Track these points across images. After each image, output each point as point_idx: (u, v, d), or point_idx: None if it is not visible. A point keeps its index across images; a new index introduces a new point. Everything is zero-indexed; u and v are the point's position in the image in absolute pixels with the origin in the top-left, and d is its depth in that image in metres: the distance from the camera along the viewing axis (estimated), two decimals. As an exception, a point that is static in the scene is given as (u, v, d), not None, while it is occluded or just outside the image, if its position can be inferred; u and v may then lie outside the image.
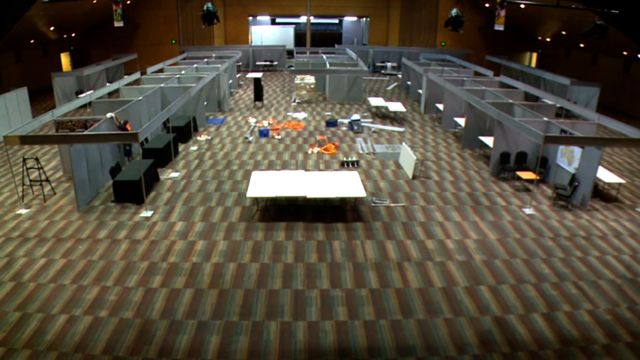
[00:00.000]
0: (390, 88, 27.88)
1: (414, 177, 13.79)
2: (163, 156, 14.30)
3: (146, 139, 14.92)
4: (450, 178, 13.93)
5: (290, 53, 33.87)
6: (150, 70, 22.02)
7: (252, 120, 19.75)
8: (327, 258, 9.53)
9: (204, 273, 8.95)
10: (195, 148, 16.28)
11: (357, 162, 14.81)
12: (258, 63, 32.90)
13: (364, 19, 38.85)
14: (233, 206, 11.82)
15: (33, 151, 15.95)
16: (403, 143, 15.38)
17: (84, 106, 19.74)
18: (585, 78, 23.73)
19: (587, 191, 11.91)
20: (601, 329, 7.60)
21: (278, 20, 40.73)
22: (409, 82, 25.77)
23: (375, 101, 21.57)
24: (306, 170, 13.69)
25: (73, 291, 8.33)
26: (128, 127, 13.70)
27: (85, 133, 11.42)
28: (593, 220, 11.47)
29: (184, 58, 26.90)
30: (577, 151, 12.35)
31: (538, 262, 9.53)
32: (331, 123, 19.12)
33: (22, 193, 12.26)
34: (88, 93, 18.23)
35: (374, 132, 18.38)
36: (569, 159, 12.75)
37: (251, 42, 36.92)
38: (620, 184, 12.96)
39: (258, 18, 39.26)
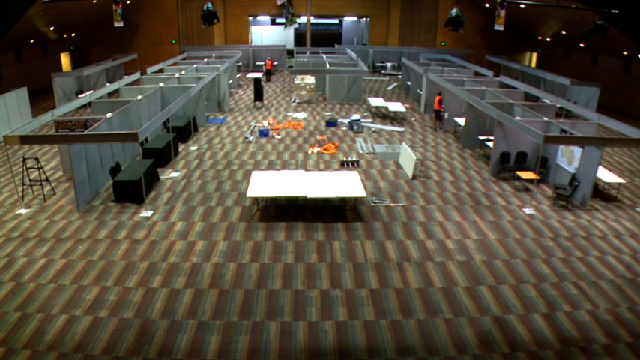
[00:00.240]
0: (390, 88, 27.88)
1: (414, 177, 13.79)
2: (163, 156, 14.30)
3: (146, 139, 14.93)
4: (450, 178, 13.93)
5: (290, 53, 33.87)
6: (150, 70, 22.03)
7: (252, 123, 19.63)
8: (327, 258, 9.53)
9: (204, 273, 8.95)
10: (195, 148, 16.28)
11: (357, 162, 14.81)
12: (258, 63, 32.91)
13: (364, 19, 38.85)
14: (233, 206, 11.82)
15: (33, 151, 15.95)
16: (403, 143, 15.38)
17: (84, 106, 19.74)
18: (585, 78, 23.73)
19: (587, 191, 11.91)
20: (601, 329, 7.60)
21: (278, 20, 40.71)
22: (409, 82, 25.77)
23: (375, 101, 21.58)
24: (306, 170, 13.70)
25: (73, 291, 8.33)
26: None
27: (85, 133, 11.43)
28: (593, 220, 11.47)
29: (184, 58, 26.91)
30: (577, 151, 12.35)
31: (538, 262, 9.53)
32: (331, 123, 19.12)
33: (22, 193, 12.26)
34: (88, 93, 18.23)
35: (374, 132, 18.39)
36: (569, 159, 12.75)
37: (251, 42, 36.93)
38: (620, 184, 12.96)
39: (258, 18, 39.27)
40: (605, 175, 12.75)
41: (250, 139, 17.24)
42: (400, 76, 29.43)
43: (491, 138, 14.76)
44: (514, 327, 7.61)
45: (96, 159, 12.51)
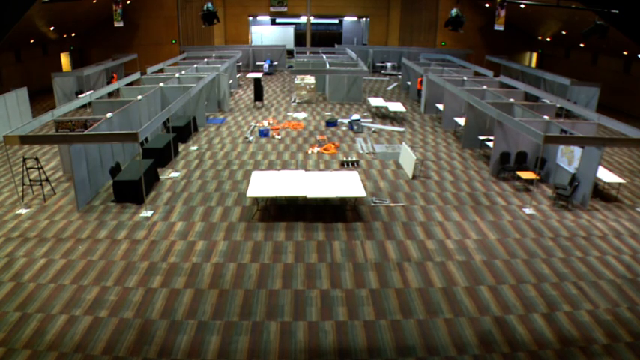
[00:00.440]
0: (390, 88, 27.88)
1: (414, 177, 13.79)
2: (163, 156, 14.30)
3: (146, 139, 14.93)
4: (450, 178, 13.93)
5: (290, 53, 33.87)
6: (150, 70, 22.03)
7: (252, 123, 19.62)
8: (327, 258, 9.53)
9: (204, 273, 8.95)
10: (195, 148, 16.28)
11: (357, 162, 14.81)
12: (258, 63, 32.91)
13: (364, 19, 38.85)
14: (233, 206, 11.82)
15: (33, 151, 15.95)
16: (403, 143, 15.38)
17: (84, 106, 19.74)
18: (585, 78, 23.72)
19: (587, 191, 11.91)
20: (601, 329, 7.60)
21: (278, 20, 40.73)
22: (409, 82, 25.77)
23: (375, 101, 21.58)
24: (306, 170, 13.69)
25: (73, 291, 8.33)
26: None
27: (85, 133, 11.42)
28: (593, 220, 11.46)
29: (184, 58, 26.90)
30: (577, 151, 12.35)
31: (538, 262, 9.53)
32: (331, 123, 19.11)
33: (22, 193, 12.26)
34: (88, 93, 18.22)
35: (374, 132, 18.38)
36: (569, 159, 12.75)
37: (251, 42, 36.92)
38: (620, 184, 12.96)
39: (258, 18, 39.27)
40: (605, 175, 12.75)
41: (250, 139, 17.24)
42: (400, 76, 29.44)
43: (491, 138, 14.76)
44: (514, 327, 7.61)
45: (96, 159, 12.51)
